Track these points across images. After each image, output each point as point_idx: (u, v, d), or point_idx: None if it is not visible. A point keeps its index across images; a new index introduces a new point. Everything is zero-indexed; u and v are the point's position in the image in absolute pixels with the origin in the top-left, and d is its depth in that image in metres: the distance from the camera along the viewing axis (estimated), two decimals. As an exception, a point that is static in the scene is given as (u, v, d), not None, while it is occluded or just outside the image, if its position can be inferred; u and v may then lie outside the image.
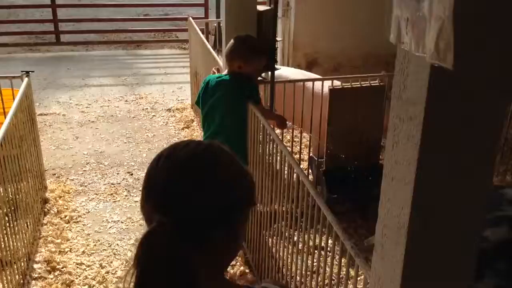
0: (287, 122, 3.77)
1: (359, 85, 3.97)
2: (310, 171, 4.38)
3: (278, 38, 3.66)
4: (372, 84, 3.99)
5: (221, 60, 4.21)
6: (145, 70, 8.35)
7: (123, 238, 3.91)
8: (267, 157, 3.21)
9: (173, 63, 8.82)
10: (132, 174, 4.88)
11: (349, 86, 3.96)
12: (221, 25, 7.69)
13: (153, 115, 6.35)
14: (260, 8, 3.62)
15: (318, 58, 6.39)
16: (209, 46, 4.99)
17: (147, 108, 6.58)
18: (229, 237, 1.14)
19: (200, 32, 5.86)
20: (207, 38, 8.49)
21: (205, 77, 3.56)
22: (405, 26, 1.07)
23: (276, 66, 3.69)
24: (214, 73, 3.72)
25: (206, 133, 3.46)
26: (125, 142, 5.60)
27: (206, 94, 3.42)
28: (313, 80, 4.03)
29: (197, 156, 1.14)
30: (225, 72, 3.44)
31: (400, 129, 1.25)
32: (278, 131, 3.89)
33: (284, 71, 4.41)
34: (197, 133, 5.64)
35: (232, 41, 3.36)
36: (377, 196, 1.41)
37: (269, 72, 3.72)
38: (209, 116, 3.43)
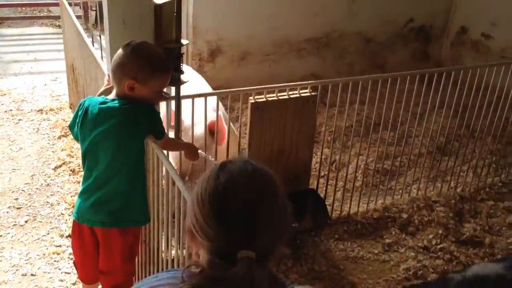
0: (199, 151, 2.85)
1: (286, 96, 3.13)
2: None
3: (183, 41, 2.68)
4: (303, 95, 3.17)
5: (105, 63, 3.15)
6: (8, 55, 6.76)
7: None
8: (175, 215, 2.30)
9: (45, 45, 7.36)
10: (-11, 211, 3.73)
11: (275, 97, 3.11)
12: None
13: (19, 119, 5.08)
14: (158, 0, 2.62)
15: (222, 46, 5.46)
16: (86, 39, 3.86)
17: (10, 110, 5.25)
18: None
19: (73, 16, 4.57)
20: (86, 16, 7.21)
21: (83, 98, 2.53)
22: None
23: (182, 78, 2.73)
24: (107, 85, 2.67)
25: (88, 180, 2.46)
26: (-19, 161, 4.36)
27: (84, 126, 2.40)
28: (229, 92, 3.11)
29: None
30: (112, 94, 2.42)
31: None
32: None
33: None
34: (78, 145, 4.52)
35: (120, 51, 2.35)
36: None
37: (173, 87, 2.76)
38: (90, 156, 2.43)
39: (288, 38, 5.62)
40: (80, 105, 2.45)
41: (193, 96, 2.93)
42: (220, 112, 3.23)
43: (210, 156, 3.05)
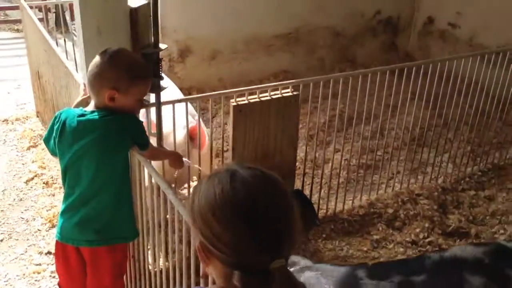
0: (183, 159, 2.75)
1: (269, 97, 3.05)
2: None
3: (161, 46, 2.56)
4: (285, 95, 3.10)
5: (79, 71, 3.01)
6: (-33, 63, 6.55)
7: None
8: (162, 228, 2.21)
9: (4, 51, 7.09)
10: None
11: (257, 99, 3.03)
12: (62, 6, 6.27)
13: (-17, 132, 4.86)
14: (133, 3, 2.50)
15: (192, 45, 5.33)
16: (53, 45, 3.68)
17: (-26, 122, 5.03)
18: None
19: (36, 20, 4.36)
20: (46, 19, 6.94)
21: (59, 110, 2.38)
22: None
23: (162, 84, 2.62)
24: (84, 95, 2.54)
25: (70, 197, 2.33)
26: None
27: (63, 141, 2.27)
28: (210, 96, 3.01)
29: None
30: (90, 105, 2.29)
31: None
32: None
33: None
34: (49, 156, 4.34)
35: (97, 59, 2.22)
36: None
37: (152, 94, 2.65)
38: (71, 172, 2.30)
39: (257, 35, 5.54)
40: (55, 118, 2.31)
41: (173, 102, 2.82)
42: (196, 117, 3.14)
43: (192, 164, 2.96)
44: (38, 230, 3.61)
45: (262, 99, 3.02)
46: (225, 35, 5.38)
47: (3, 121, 5.04)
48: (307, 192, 3.65)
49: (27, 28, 4.80)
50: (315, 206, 3.66)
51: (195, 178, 3.28)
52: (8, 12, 8.46)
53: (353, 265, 2.61)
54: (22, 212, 3.79)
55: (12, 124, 5.01)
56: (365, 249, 3.48)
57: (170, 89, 3.65)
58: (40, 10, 5.90)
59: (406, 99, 3.69)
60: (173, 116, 2.86)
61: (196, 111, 2.99)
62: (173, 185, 3.00)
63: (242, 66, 5.54)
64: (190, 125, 3.04)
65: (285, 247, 1.11)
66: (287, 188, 1.19)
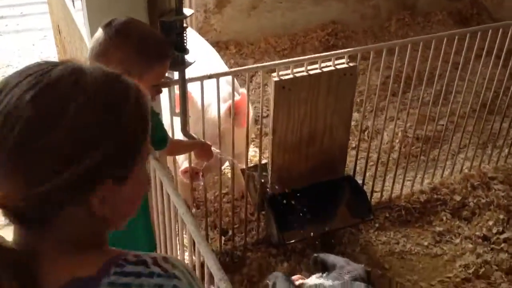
0: (212, 149, 2.27)
1: (319, 70, 2.50)
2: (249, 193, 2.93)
3: (186, 11, 2.03)
4: (338, 67, 2.54)
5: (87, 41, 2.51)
6: (-10, 10, 6.09)
7: None
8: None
9: (31, -4, 6.61)
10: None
11: (305, 73, 2.48)
12: None
13: (4, 92, 4.46)
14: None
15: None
16: (67, 2, 3.18)
17: (-6, 80, 4.64)
18: None
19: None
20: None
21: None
22: None
23: (187, 59, 2.11)
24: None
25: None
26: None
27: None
28: (247, 70, 2.47)
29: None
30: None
31: None
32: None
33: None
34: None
35: (100, 34, 1.73)
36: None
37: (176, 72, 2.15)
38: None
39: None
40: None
41: (202, 78, 2.31)
42: (242, 90, 2.63)
43: (224, 154, 2.48)
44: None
45: (311, 72, 2.47)
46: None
47: (26, 78, 4.63)
48: (360, 177, 3.14)
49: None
50: (368, 191, 3.16)
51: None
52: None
53: None
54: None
55: (35, 81, 4.60)
56: (425, 243, 2.98)
57: (205, 54, 3.14)
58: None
59: (475, 56, 3.03)
60: (202, 97, 2.35)
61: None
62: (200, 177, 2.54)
63: (286, 17, 4.91)
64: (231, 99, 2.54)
65: None
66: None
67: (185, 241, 1.84)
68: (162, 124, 1.87)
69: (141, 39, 1.74)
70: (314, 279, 1.96)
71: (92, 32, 1.91)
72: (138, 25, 1.78)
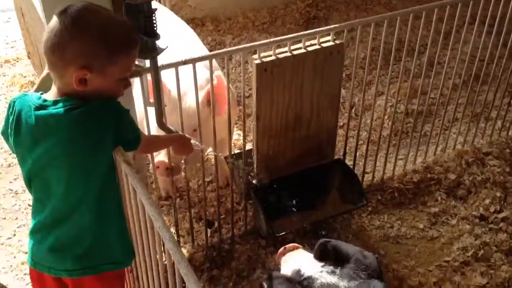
0: (192, 141, 2.07)
1: (303, 50, 2.30)
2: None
3: (154, -8, 1.82)
4: (324, 45, 2.34)
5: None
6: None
7: None
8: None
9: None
10: None
11: (288, 53, 2.28)
12: None
13: (-33, 78, 4.19)
14: None
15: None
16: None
17: (-45, 65, 4.34)
18: None
19: None
20: None
21: (14, 96, 1.71)
22: None
23: (158, 44, 1.89)
24: None
25: (40, 213, 1.72)
26: None
27: (20, 141, 1.62)
28: (225, 53, 2.25)
29: None
30: (52, 91, 1.60)
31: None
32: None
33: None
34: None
35: (55, 23, 1.51)
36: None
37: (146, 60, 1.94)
38: (38, 183, 1.68)
39: None
40: (10, 106, 1.64)
41: (176, 65, 2.10)
42: (218, 72, 2.43)
43: (205, 146, 2.30)
44: (29, 205, 3.04)
45: (294, 52, 2.27)
46: None
47: (-9, 63, 4.36)
48: (350, 158, 2.98)
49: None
50: (359, 172, 3.01)
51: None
52: None
53: None
54: (11, 182, 3.22)
55: (1, 67, 4.33)
56: (421, 226, 2.84)
57: (180, 35, 2.92)
58: None
59: (468, 25, 2.85)
60: (177, 84, 2.15)
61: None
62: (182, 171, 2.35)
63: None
64: (206, 87, 2.34)
65: None
66: None
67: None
68: (133, 122, 1.67)
69: (102, 28, 1.53)
70: (325, 274, 1.80)
71: (48, 19, 1.69)
72: (98, 11, 1.56)
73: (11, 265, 2.73)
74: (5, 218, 3.01)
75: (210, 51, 4.32)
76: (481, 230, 2.75)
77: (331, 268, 1.81)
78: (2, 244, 2.86)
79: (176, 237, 2.66)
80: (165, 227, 1.32)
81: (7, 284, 2.65)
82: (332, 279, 1.75)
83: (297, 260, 1.95)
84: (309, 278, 1.78)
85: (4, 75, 4.22)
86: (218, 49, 4.35)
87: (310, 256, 2.00)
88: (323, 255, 1.90)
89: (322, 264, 1.87)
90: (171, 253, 1.28)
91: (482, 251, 2.64)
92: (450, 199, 2.95)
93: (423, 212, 2.91)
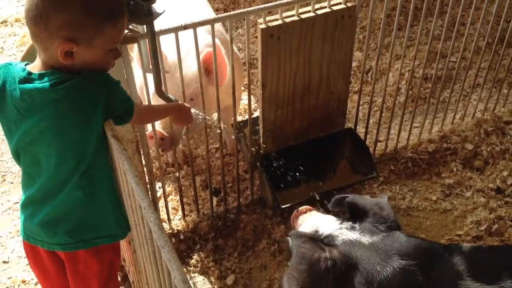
0: (192, 110, 1.99)
1: (312, 14, 2.17)
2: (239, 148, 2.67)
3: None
4: (335, 8, 2.20)
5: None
6: None
7: None
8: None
9: None
10: None
11: (296, 17, 2.15)
12: None
13: (-25, 37, 4.14)
14: None
15: None
16: None
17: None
18: None
19: None
20: None
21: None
22: None
23: (154, 8, 1.78)
24: None
25: (30, 187, 1.68)
26: None
27: (6, 114, 1.56)
28: (228, 17, 2.12)
29: None
30: (37, 62, 1.52)
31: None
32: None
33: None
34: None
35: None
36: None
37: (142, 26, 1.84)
38: (26, 157, 1.63)
39: None
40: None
41: (176, 30, 1.99)
42: (216, 40, 2.30)
43: (206, 116, 2.20)
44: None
45: (302, 16, 2.14)
46: None
47: (1, 23, 4.29)
48: (362, 126, 2.86)
49: None
50: (371, 142, 2.90)
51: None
52: None
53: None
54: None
55: (12, 26, 4.27)
56: (434, 198, 2.74)
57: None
58: None
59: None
60: (177, 49, 2.04)
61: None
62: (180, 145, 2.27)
63: None
64: (203, 53, 2.23)
65: None
66: None
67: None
68: (124, 94, 1.58)
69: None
70: (345, 231, 1.79)
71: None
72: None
73: (18, 230, 2.72)
74: (12, 182, 3.00)
75: (225, 10, 4.20)
76: (496, 204, 2.64)
77: (349, 224, 1.80)
78: (9, 208, 2.86)
79: (180, 206, 2.62)
80: (150, 208, 1.26)
81: (14, 249, 2.66)
82: (353, 235, 1.73)
83: (313, 221, 1.94)
84: (330, 236, 1.77)
85: (15, 35, 4.15)
86: (232, 9, 4.21)
87: (325, 216, 1.98)
88: (338, 209, 1.91)
89: (339, 221, 1.85)
90: (155, 237, 1.22)
91: (496, 225, 2.54)
92: (466, 170, 2.83)
93: (437, 183, 2.80)
